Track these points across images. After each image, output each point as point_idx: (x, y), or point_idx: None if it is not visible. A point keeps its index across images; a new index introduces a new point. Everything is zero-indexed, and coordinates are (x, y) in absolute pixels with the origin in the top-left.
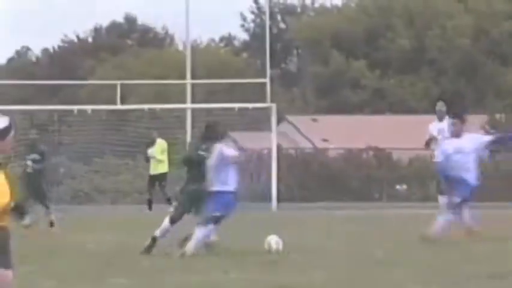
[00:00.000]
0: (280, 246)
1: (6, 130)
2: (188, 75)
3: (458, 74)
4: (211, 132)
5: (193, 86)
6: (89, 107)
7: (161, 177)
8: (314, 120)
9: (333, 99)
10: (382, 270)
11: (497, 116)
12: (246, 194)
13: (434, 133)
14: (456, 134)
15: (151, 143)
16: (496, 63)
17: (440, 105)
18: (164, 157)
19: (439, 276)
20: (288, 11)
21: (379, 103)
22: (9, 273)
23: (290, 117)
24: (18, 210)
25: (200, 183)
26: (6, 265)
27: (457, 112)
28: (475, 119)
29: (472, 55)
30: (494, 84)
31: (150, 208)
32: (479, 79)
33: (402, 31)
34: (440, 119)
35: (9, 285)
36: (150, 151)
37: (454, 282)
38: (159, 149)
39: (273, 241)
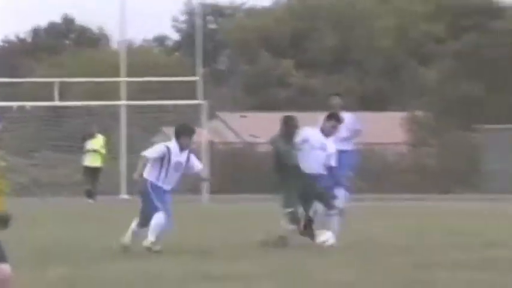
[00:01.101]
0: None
1: None
2: (123, 73)
3: (381, 73)
4: (292, 127)
5: (127, 84)
6: (28, 103)
7: (96, 170)
8: (243, 116)
9: (261, 96)
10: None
11: (416, 113)
12: (180, 187)
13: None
14: (328, 133)
15: (90, 136)
16: (416, 63)
17: (336, 99)
18: (103, 151)
19: (368, 267)
20: (219, 12)
21: (306, 100)
22: (5, 267)
23: (220, 114)
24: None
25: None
26: (1, 258)
27: (334, 114)
28: (397, 116)
29: (394, 55)
30: (414, 83)
31: (91, 198)
32: (400, 78)
33: (328, 32)
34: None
35: (7, 279)
36: (90, 143)
37: (382, 273)
38: (98, 143)
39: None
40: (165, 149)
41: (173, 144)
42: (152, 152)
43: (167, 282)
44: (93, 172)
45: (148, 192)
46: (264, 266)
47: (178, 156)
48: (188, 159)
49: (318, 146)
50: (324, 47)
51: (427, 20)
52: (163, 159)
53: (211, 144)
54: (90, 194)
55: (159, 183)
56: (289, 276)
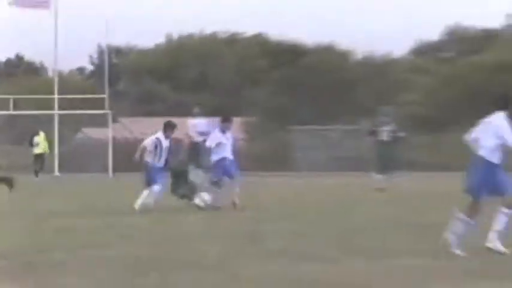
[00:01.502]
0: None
1: None
2: (55, 92)
3: (227, 92)
4: (172, 127)
5: (59, 99)
6: None
7: (41, 156)
8: (137, 121)
9: (147, 107)
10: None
11: (249, 119)
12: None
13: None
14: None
15: (36, 133)
16: (250, 86)
17: (196, 109)
18: (45, 143)
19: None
20: (119, 52)
21: (179, 110)
22: None
23: (121, 119)
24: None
25: None
26: None
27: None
28: (238, 120)
29: (236, 80)
30: (250, 99)
31: (37, 175)
32: (241, 96)
33: (192, 64)
34: (194, 117)
35: None
36: (36, 138)
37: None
38: (42, 138)
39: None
40: (156, 140)
41: (160, 135)
42: (149, 143)
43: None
44: (39, 157)
45: (150, 170)
46: None
47: (166, 143)
48: (170, 144)
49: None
50: (189, 75)
51: (258, 57)
52: (156, 147)
53: (114, 139)
54: (36, 173)
55: (157, 164)
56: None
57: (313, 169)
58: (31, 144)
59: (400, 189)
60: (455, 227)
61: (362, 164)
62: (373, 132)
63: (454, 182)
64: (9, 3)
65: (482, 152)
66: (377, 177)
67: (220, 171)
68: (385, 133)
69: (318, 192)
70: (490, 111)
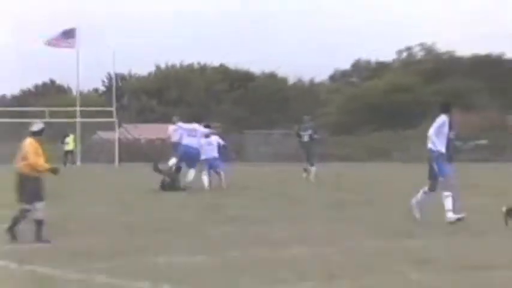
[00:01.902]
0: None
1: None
2: (78, 105)
3: (199, 107)
4: None
5: (81, 111)
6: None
7: (71, 152)
8: (136, 126)
9: (143, 117)
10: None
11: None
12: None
13: (171, 131)
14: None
15: (67, 135)
16: (214, 103)
17: (175, 117)
18: (73, 143)
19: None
20: (123, 77)
21: (168, 120)
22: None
23: (124, 125)
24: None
25: None
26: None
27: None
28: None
29: (205, 99)
30: (214, 112)
31: (65, 165)
32: (208, 109)
33: (174, 87)
34: (174, 123)
35: None
36: (67, 139)
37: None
38: (71, 139)
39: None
40: (191, 126)
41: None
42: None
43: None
44: (68, 152)
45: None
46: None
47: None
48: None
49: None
50: (171, 94)
51: (221, 81)
52: (189, 132)
53: (119, 139)
54: (65, 164)
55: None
56: None
57: (260, 161)
58: (62, 143)
59: (318, 175)
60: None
61: (294, 157)
62: (298, 135)
63: (356, 168)
64: (45, 44)
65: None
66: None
67: (207, 166)
68: (305, 136)
69: (263, 176)
70: (436, 115)
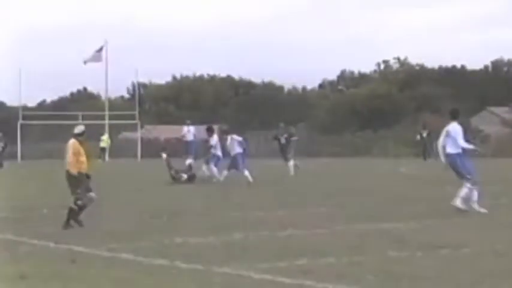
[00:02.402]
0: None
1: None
2: (106, 110)
3: (211, 111)
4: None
5: (109, 115)
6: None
7: (105, 148)
8: (155, 127)
9: (163, 119)
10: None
11: (223, 126)
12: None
13: (186, 132)
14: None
15: (102, 134)
16: (221, 107)
17: (188, 121)
18: (108, 140)
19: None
20: (144, 85)
21: (183, 121)
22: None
23: (146, 126)
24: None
25: None
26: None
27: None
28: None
29: (214, 105)
30: (221, 115)
31: (103, 160)
32: (217, 113)
33: (190, 97)
34: (188, 126)
35: None
36: (102, 137)
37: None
38: (106, 137)
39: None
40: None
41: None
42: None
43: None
44: (103, 149)
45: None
46: None
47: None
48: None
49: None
50: (186, 100)
51: (227, 90)
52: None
53: (142, 138)
54: (102, 159)
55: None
56: None
57: (260, 157)
58: (100, 140)
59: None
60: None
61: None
62: (276, 139)
63: (342, 163)
64: (84, 62)
65: (449, 150)
66: (290, 164)
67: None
68: (282, 138)
69: (265, 169)
70: (447, 122)
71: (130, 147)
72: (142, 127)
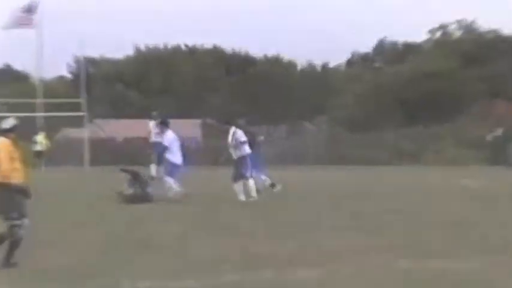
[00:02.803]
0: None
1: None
2: (39, 96)
3: (188, 98)
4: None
5: (44, 103)
6: None
7: (41, 153)
8: (108, 122)
9: (118, 110)
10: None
11: (208, 120)
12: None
13: (153, 128)
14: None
15: (36, 133)
16: (207, 92)
17: (154, 113)
18: (46, 142)
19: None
20: (93, 62)
21: (145, 114)
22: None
23: (95, 120)
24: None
25: None
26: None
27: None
28: (196, 122)
29: (195, 88)
30: (205, 103)
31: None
32: (198, 100)
33: (157, 73)
34: (155, 120)
35: None
36: (37, 138)
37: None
38: (42, 137)
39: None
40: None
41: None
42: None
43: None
44: (39, 154)
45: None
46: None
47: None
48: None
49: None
50: (154, 83)
51: (212, 68)
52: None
53: (89, 137)
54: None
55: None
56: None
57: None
58: (34, 142)
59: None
60: None
61: (302, 158)
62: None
63: (377, 173)
64: (5, 28)
65: None
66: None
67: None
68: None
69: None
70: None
71: (73, 151)
72: (91, 121)
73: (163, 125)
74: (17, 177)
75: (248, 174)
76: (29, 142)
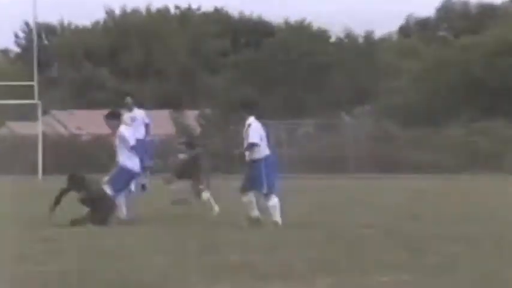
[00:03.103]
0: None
1: None
2: None
3: (178, 80)
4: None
5: None
6: None
7: None
8: (71, 113)
9: (84, 97)
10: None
11: (206, 111)
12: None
13: (128, 121)
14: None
15: None
16: (206, 72)
17: (128, 99)
18: None
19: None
20: (51, 31)
21: (119, 101)
22: None
23: (52, 112)
24: None
25: None
26: None
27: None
28: (191, 114)
29: (189, 66)
30: (205, 87)
31: None
32: (194, 84)
33: (136, 47)
34: (130, 110)
35: None
36: None
37: None
38: None
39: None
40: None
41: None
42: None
43: None
44: None
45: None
46: None
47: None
48: None
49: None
50: (133, 59)
51: (215, 38)
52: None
53: (44, 134)
54: None
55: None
56: None
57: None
58: None
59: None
60: None
61: (337, 163)
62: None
63: (446, 184)
64: None
65: None
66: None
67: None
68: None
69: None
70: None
71: (21, 154)
72: (46, 113)
73: (113, 117)
74: None
75: (261, 184)
76: None
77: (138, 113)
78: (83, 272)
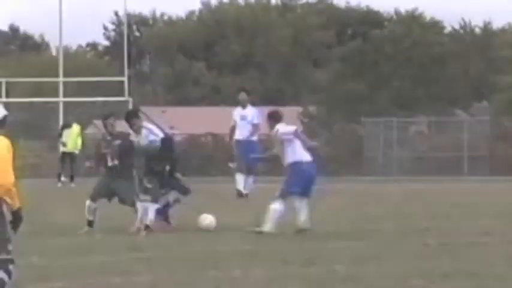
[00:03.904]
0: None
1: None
2: (60, 74)
3: (279, 75)
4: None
5: (64, 83)
6: None
7: (74, 155)
8: (163, 111)
9: (178, 94)
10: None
11: (310, 108)
12: None
13: (237, 118)
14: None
15: (66, 126)
16: (310, 66)
17: (243, 95)
18: (77, 139)
19: None
20: (142, 22)
21: (216, 97)
22: None
23: (144, 109)
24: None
25: None
26: None
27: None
28: (294, 110)
29: (291, 59)
30: (307, 83)
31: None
32: (296, 79)
33: (234, 39)
34: (244, 107)
35: None
36: (66, 132)
37: None
38: (75, 132)
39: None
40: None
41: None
42: None
43: None
44: (66, 158)
45: None
46: None
47: None
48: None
49: None
50: (230, 52)
51: (319, 29)
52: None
53: None
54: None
55: None
56: None
57: (388, 173)
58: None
59: None
60: None
61: (454, 165)
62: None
63: None
64: None
65: None
66: None
67: None
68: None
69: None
70: None
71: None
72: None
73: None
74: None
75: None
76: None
77: (251, 112)
78: (179, 285)
